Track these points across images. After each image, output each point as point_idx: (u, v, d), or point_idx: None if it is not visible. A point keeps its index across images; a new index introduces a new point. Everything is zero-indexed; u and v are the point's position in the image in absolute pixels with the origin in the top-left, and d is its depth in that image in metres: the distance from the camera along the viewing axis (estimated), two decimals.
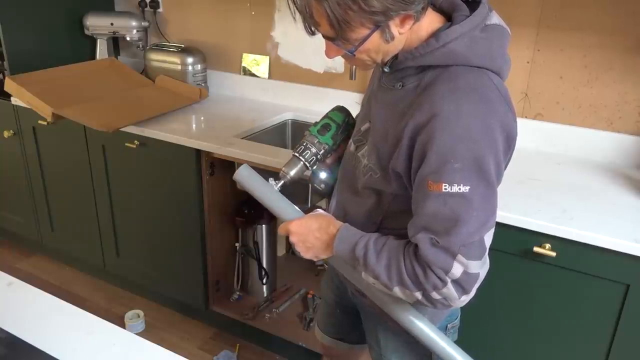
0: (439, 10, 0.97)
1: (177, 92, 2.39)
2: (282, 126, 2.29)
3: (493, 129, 0.87)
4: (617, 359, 1.41)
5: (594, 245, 1.31)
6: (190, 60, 2.40)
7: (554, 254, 1.36)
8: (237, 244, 2.21)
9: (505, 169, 0.95)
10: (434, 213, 0.88)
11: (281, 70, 2.39)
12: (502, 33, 0.96)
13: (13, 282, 1.11)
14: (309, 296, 2.26)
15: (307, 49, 2.29)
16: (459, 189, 0.86)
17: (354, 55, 0.94)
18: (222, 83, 2.55)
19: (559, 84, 1.83)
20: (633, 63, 1.70)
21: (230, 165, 2.00)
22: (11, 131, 2.46)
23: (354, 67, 1.88)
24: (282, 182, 1.14)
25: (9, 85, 2.20)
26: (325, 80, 2.28)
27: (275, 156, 1.79)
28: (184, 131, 2.02)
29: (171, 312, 2.41)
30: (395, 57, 0.96)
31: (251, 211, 2.15)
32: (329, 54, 0.96)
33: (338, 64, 2.23)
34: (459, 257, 0.87)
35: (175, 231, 2.15)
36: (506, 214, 1.38)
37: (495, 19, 0.96)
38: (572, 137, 1.84)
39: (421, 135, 0.88)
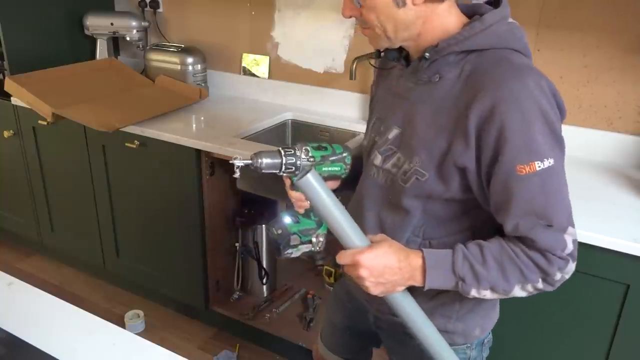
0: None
1: (177, 92, 2.39)
2: (282, 126, 2.29)
3: (550, 97, 0.88)
4: (617, 359, 1.41)
5: (593, 245, 1.31)
6: (190, 60, 2.40)
7: None
8: (237, 244, 2.21)
9: None
10: (532, 196, 0.86)
11: (281, 70, 2.39)
12: (519, 27, 0.96)
13: (13, 282, 1.11)
14: (309, 296, 2.26)
15: (307, 49, 2.29)
16: (550, 162, 0.86)
17: (360, 5, 0.92)
18: (222, 83, 2.55)
19: (559, 84, 1.82)
20: (633, 63, 1.70)
21: (230, 165, 1.99)
22: (11, 131, 2.46)
23: (354, 67, 1.88)
24: (247, 161, 0.99)
25: (9, 85, 2.20)
26: (325, 80, 2.28)
27: None
28: (184, 131, 2.02)
29: (171, 312, 2.41)
30: (435, 46, 0.92)
31: (251, 211, 2.15)
32: (344, 11, 0.95)
33: (338, 64, 2.23)
34: (570, 229, 0.88)
35: (175, 231, 2.15)
36: None
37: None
38: (572, 137, 1.83)
39: (491, 122, 0.85)
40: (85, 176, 2.32)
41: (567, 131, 1.87)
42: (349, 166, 1.07)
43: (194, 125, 2.14)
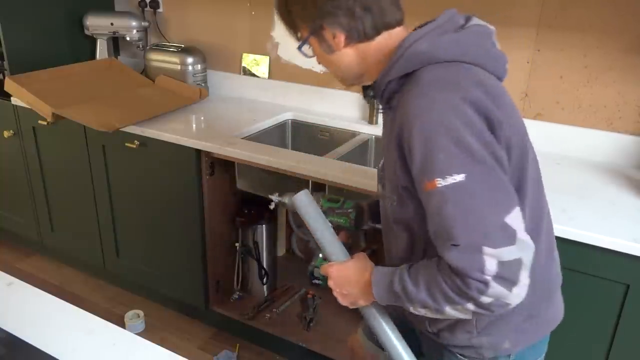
0: None
1: (177, 92, 2.39)
2: (282, 126, 2.29)
3: (463, 109, 0.84)
4: (617, 359, 1.41)
5: (593, 245, 1.31)
6: (190, 60, 2.40)
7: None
8: (237, 244, 2.21)
9: (514, 155, 0.90)
10: (438, 213, 0.83)
11: (281, 70, 2.39)
12: (481, 31, 0.97)
13: (13, 282, 1.11)
14: (309, 296, 2.26)
15: None
16: (454, 179, 0.81)
17: (301, 50, 1.02)
18: (222, 83, 2.55)
19: (559, 84, 1.83)
20: (633, 63, 1.70)
21: (230, 165, 2.00)
22: (11, 131, 2.46)
23: None
24: (282, 199, 1.16)
25: (9, 85, 2.20)
26: (325, 80, 2.28)
27: (276, 156, 1.79)
28: (184, 131, 2.02)
29: (171, 312, 2.41)
30: (375, 81, 0.99)
31: (251, 211, 2.15)
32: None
33: None
34: (485, 249, 0.80)
35: (175, 231, 2.15)
36: None
37: (475, 20, 0.98)
38: (572, 137, 1.84)
39: (404, 138, 0.88)
40: (85, 176, 2.32)
41: (567, 131, 1.89)
42: (353, 220, 1.19)
43: (194, 125, 2.14)
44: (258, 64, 2.44)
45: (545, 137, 1.88)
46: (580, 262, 1.36)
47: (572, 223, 1.35)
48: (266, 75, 2.44)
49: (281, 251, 2.56)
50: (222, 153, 1.89)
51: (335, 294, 1.04)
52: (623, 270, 1.32)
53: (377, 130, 2.13)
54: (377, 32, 0.96)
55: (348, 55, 0.99)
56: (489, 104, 0.87)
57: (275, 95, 2.43)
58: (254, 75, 2.47)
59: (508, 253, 0.80)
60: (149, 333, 2.27)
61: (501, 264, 0.80)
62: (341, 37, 0.97)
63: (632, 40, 1.68)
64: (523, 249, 0.82)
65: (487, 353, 1.03)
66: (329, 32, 0.97)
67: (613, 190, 1.58)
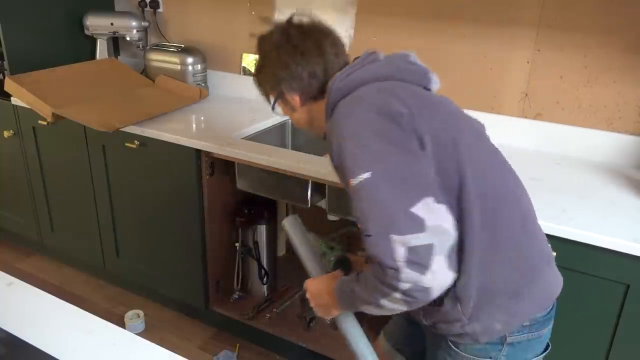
0: None
1: (177, 92, 2.39)
2: (282, 126, 2.29)
3: (364, 115, 0.98)
4: (617, 359, 1.41)
5: (593, 245, 1.31)
6: (190, 60, 2.40)
7: (553, 254, 1.36)
8: (237, 244, 2.21)
9: (431, 131, 0.97)
10: (356, 209, 0.94)
11: None
12: (395, 56, 1.14)
13: (13, 282, 1.11)
14: None
15: None
16: (362, 177, 0.92)
17: (274, 110, 1.21)
18: (222, 83, 2.55)
19: (559, 84, 1.83)
20: (633, 63, 1.70)
21: (230, 165, 2.00)
22: (11, 131, 2.46)
23: None
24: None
25: (9, 85, 2.20)
26: None
27: (275, 156, 1.79)
28: (184, 131, 2.02)
29: (171, 312, 2.41)
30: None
31: (251, 211, 2.15)
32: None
33: None
34: (392, 236, 0.86)
35: (175, 231, 2.15)
36: None
37: (380, 55, 1.14)
38: (572, 137, 1.84)
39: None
40: (85, 176, 2.32)
41: (567, 131, 1.89)
42: (331, 269, 1.28)
43: (194, 125, 2.14)
44: None
45: (545, 137, 1.88)
46: (580, 262, 1.36)
47: (572, 223, 1.35)
48: None
49: (281, 251, 2.55)
50: (222, 153, 1.89)
51: (312, 305, 1.17)
52: (623, 270, 1.32)
53: None
54: (324, 92, 1.11)
55: (309, 111, 1.17)
56: (391, 102, 0.98)
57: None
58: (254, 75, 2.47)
59: (416, 239, 0.86)
60: (149, 333, 2.27)
61: (409, 249, 0.86)
62: (296, 98, 1.15)
63: (632, 41, 1.68)
64: (436, 235, 0.88)
65: (483, 338, 1.05)
66: (288, 95, 1.15)
67: (613, 190, 1.58)
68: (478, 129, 1.11)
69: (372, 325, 1.62)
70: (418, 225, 0.87)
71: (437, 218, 0.89)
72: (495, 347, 1.06)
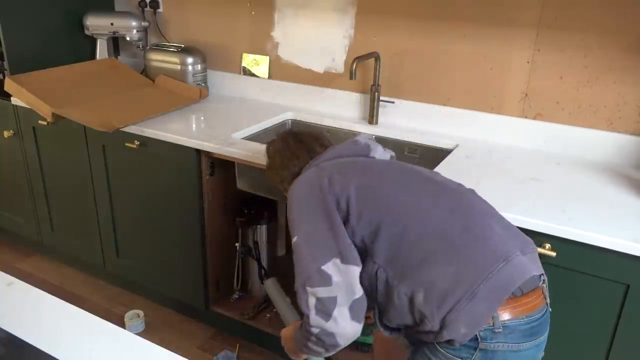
0: None
1: (177, 92, 2.39)
2: (282, 126, 2.29)
3: (299, 190, 1.24)
4: (617, 359, 1.41)
5: (593, 245, 1.31)
6: (190, 60, 2.40)
7: (553, 254, 1.36)
8: (237, 244, 2.21)
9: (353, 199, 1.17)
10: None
11: (281, 70, 2.39)
12: (347, 142, 1.39)
13: (13, 282, 1.11)
14: None
15: (307, 49, 2.29)
16: (294, 239, 1.17)
17: (284, 192, 1.43)
18: (222, 83, 2.55)
19: (559, 84, 1.83)
20: (633, 63, 1.70)
21: (230, 165, 2.00)
22: (11, 131, 2.46)
23: (354, 67, 1.89)
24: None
25: (9, 85, 2.20)
26: (325, 80, 2.29)
27: None
28: (184, 131, 2.02)
29: (171, 312, 2.41)
30: None
31: (251, 211, 2.15)
32: None
33: (338, 64, 2.23)
34: (307, 288, 1.10)
35: (175, 231, 2.15)
36: (506, 214, 1.37)
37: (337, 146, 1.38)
38: (572, 137, 1.84)
39: None
40: (85, 176, 2.32)
41: (567, 131, 1.89)
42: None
43: (194, 125, 2.14)
44: (258, 64, 2.44)
45: (545, 137, 1.88)
46: (580, 262, 1.36)
47: (571, 223, 1.35)
48: (266, 75, 2.44)
49: (281, 251, 2.55)
50: (222, 153, 1.89)
51: (285, 350, 1.36)
52: (623, 270, 1.32)
53: (377, 130, 2.13)
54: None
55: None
56: (319, 177, 1.22)
57: (275, 95, 2.43)
58: (254, 75, 2.47)
59: (322, 292, 1.08)
60: (149, 333, 2.28)
61: (317, 299, 1.09)
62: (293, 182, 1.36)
63: (632, 41, 1.68)
64: (340, 290, 1.09)
65: (455, 343, 1.07)
66: (288, 183, 1.39)
67: (613, 190, 1.58)
68: (406, 178, 1.26)
69: None
70: (326, 280, 1.09)
71: (342, 276, 1.09)
72: (469, 350, 1.08)
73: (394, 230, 1.12)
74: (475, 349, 1.07)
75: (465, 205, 1.19)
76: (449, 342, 1.08)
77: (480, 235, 1.13)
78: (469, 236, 1.12)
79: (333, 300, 1.07)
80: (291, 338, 1.29)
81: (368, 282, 1.15)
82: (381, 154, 1.38)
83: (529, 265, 1.11)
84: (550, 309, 1.17)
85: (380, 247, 1.13)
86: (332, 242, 1.13)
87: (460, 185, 1.27)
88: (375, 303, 1.18)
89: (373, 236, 1.14)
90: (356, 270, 1.11)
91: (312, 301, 1.09)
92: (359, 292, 1.11)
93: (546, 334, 1.14)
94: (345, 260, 1.11)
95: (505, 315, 1.06)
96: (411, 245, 1.11)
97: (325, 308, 1.07)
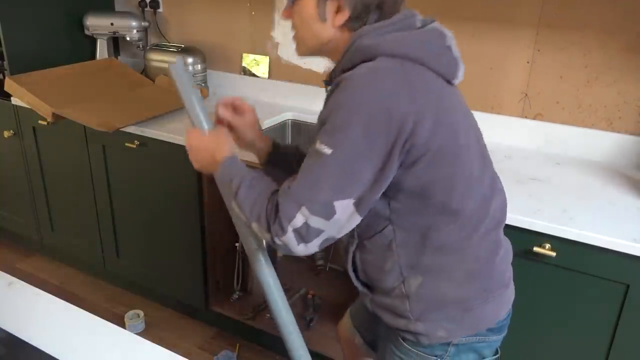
0: None
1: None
2: (282, 126, 2.29)
3: (369, 102, 0.89)
4: (617, 359, 1.41)
5: (593, 245, 1.31)
6: (190, 60, 2.40)
7: (553, 254, 1.36)
8: (237, 244, 2.21)
9: (408, 153, 0.93)
10: (303, 165, 0.95)
11: (281, 70, 2.39)
12: (431, 33, 0.99)
13: (13, 282, 1.11)
14: (309, 296, 2.25)
15: None
16: (322, 149, 0.91)
17: (292, 4, 1.03)
18: (222, 83, 2.55)
19: (559, 84, 1.83)
20: (633, 63, 1.70)
21: None
22: (11, 131, 2.46)
23: None
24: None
25: (9, 85, 2.20)
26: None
27: None
28: (184, 131, 2.01)
29: (171, 312, 2.41)
30: (330, 73, 1.05)
31: None
32: (283, 12, 1.07)
33: None
34: (303, 209, 0.91)
35: (175, 231, 2.15)
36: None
37: (433, 24, 1.01)
38: (572, 137, 1.84)
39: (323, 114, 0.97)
40: (85, 176, 2.32)
41: (567, 131, 1.89)
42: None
43: None
44: (258, 64, 2.44)
45: (545, 137, 1.88)
46: (580, 262, 1.36)
47: (572, 223, 1.35)
48: (266, 75, 2.44)
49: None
50: None
51: (189, 156, 1.14)
52: (623, 270, 1.32)
53: None
54: (360, 22, 0.99)
55: (330, 33, 1.01)
56: (399, 103, 0.90)
57: (275, 95, 2.43)
58: (254, 75, 2.47)
59: (315, 222, 0.92)
60: (149, 333, 2.28)
61: (306, 225, 0.92)
62: (344, 17, 0.98)
63: (632, 40, 1.68)
64: (332, 229, 0.94)
65: (424, 339, 1.07)
66: (335, 4, 0.98)
67: (613, 190, 1.58)
68: (476, 132, 1.08)
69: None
70: (328, 214, 0.92)
71: (345, 219, 0.94)
72: (443, 347, 1.09)
73: (446, 220, 1.00)
74: (448, 344, 1.09)
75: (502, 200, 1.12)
76: (414, 336, 1.08)
77: (495, 252, 1.11)
78: (495, 254, 1.10)
79: (318, 233, 0.93)
80: (213, 157, 1.10)
81: (365, 226, 1.03)
82: (458, 81, 1.05)
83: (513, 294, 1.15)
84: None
85: (414, 215, 1.00)
86: (365, 186, 0.92)
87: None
88: (355, 244, 1.09)
89: (419, 202, 0.98)
90: (359, 220, 0.97)
91: (298, 222, 0.92)
92: (341, 236, 0.99)
93: None
94: (359, 208, 0.94)
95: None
96: (442, 238, 1.01)
97: (306, 235, 0.93)
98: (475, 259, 1.05)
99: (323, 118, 0.95)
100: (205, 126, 1.15)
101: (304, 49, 1.07)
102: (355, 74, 0.93)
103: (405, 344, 1.11)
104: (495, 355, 1.16)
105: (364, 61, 0.95)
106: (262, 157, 1.29)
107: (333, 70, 1.04)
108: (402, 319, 1.08)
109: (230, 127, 1.21)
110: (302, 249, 0.95)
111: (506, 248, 1.13)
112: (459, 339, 1.08)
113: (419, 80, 0.94)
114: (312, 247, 0.95)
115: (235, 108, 1.22)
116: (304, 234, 0.93)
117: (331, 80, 1.04)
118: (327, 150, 0.90)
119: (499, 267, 1.10)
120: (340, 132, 0.90)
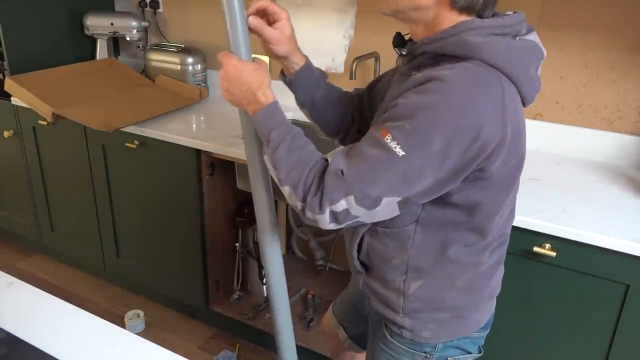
0: None
1: (177, 92, 2.39)
2: None
3: (461, 115, 0.82)
4: (617, 359, 1.41)
5: (593, 245, 1.31)
6: (190, 60, 2.40)
7: (553, 254, 1.36)
8: (237, 244, 2.21)
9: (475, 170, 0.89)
10: (364, 151, 0.88)
11: None
12: (533, 49, 0.94)
13: (13, 282, 1.11)
14: (309, 296, 2.26)
15: (307, 49, 2.28)
16: (395, 147, 0.85)
17: None
18: None
19: (559, 84, 1.83)
20: (633, 63, 1.70)
21: (230, 165, 2.00)
22: (11, 131, 2.46)
23: (354, 66, 1.88)
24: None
25: (9, 85, 2.20)
26: None
27: None
28: (184, 131, 2.02)
29: (171, 312, 2.41)
30: (414, 43, 0.95)
31: (251, 211, 2.15)
32: None
33: (338, 64, 2.23)
34: (350, 198, 0.88)
35: (175, 231, 2.15)
36: None
37: (532, 36, 0.96)
38: (572, 137, 1.84)
39: (400, 95, 0.90)
40: (85, 176, 2.32)
41: (567, 131, 1.89)
42: None
43: (194, 125, 2.14)
44: None
45: (545, 137, 1.88)
46: (580, 262, 1.36)
47: (572, 223, 1.35)
48: None
49: (281, 251, 2.55)
50: (222, 153, 1.89)
51: (220, 86, 1.06)
52: (623, 270, 1.32)
53: None
54: (464, 11, 0.90)
55: (430, 1, 0.90)
56: (494, 125, 0.85)
57: (275, 95, 2.42)
58: None
59: (357, 210, 0.89)
60: (149, 333, 2.28)
61: (346, 211, 0.89)
62: None
63: (632, 40, 1.68)
64: (368, 217, 0.91)
65: (407, 334, 1.09)
66: None
67: (613, 190, 1.58)
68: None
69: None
70: (372, 206, 0.88)
71: (384, 212, 0.91)
72: (430, 345, 1.10)
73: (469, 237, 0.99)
74: (432, 347, 1.10)
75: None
76: (398, 328, 1.09)
77: (498, 264, 1.12)
78: (499, 264, 1.12)
79: (354, 218, 0.90)
80: (254, 94, 1.04)
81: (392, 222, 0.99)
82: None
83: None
84: None
85: (445, 225, 0.98)
86: (419, 191, 0.88)
87: None
88: (367, 227, 1.05)
89: (457, 216, 0.96)
90: (395, 215, 0.93)
91: (340, 207, 0.88)
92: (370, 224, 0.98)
93: None
94: (401, 206, 0.90)
95: None
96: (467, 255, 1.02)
97: (342, 219, 0.90)
98: (480, 272, 1.06)
99: (398, 110, 0.87)
100: (244, 53, 1.01)
101: (392, 6, 0.94)
102: (453, 77, 0.84)
103: (393, 340, 1.12)
104: (479, 352, 1.18)
105: (458, 57, 0.87)
106: (290, 74, 1.24)
107: (415, 42, 0.95)
108: (391, 311, 1.08)
109: (262, 38, 1.09)
110: (331, 227, 0.92)
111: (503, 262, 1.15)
112: (439, 344, 1.10)
113: (512, 104, 0.88)
114: (340, 227, 0.93)
115: (269, 15, 1.10)
116: (340, 218, 0.90)
117: (411, 56, 0.96)
118: (400, 151, 0.84)
119: (496, 279, 1.12)
120: (420, 137, 0.83)
